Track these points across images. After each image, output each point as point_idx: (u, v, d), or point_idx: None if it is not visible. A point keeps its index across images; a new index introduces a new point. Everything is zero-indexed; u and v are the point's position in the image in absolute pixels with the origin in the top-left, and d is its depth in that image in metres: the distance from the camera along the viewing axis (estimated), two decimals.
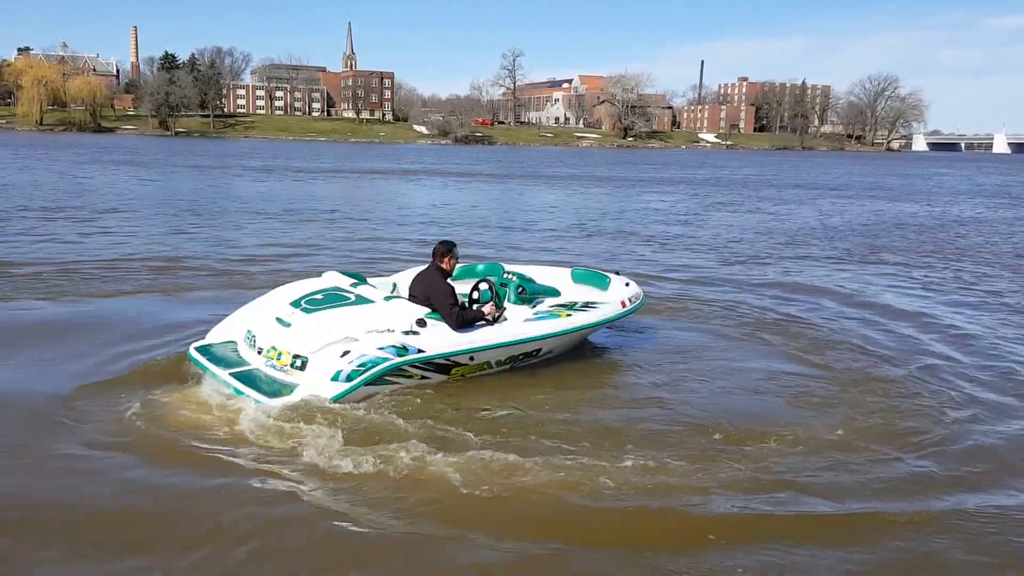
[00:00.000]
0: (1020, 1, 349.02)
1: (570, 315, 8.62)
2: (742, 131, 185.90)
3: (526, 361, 8.53)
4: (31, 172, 39.98)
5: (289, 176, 44.87)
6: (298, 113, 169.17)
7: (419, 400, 7.39)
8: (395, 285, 9.07)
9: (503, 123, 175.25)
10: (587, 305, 8.91)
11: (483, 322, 8.04)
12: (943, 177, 65.54)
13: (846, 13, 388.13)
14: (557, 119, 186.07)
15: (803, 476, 6.25)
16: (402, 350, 7.39)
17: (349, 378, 7.11)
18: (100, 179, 37.29)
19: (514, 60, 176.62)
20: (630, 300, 9.34)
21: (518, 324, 8.25)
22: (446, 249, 8.14)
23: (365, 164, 63.20)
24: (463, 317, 7.84)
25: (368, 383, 7.23)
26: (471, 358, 7.92)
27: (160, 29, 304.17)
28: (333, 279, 8.43)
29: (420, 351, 7.48)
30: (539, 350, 8.57)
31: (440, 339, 7.65)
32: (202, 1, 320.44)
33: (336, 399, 7.02)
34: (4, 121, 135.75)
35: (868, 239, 22.32)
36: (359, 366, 7.16)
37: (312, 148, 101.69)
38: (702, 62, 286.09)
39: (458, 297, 7.98)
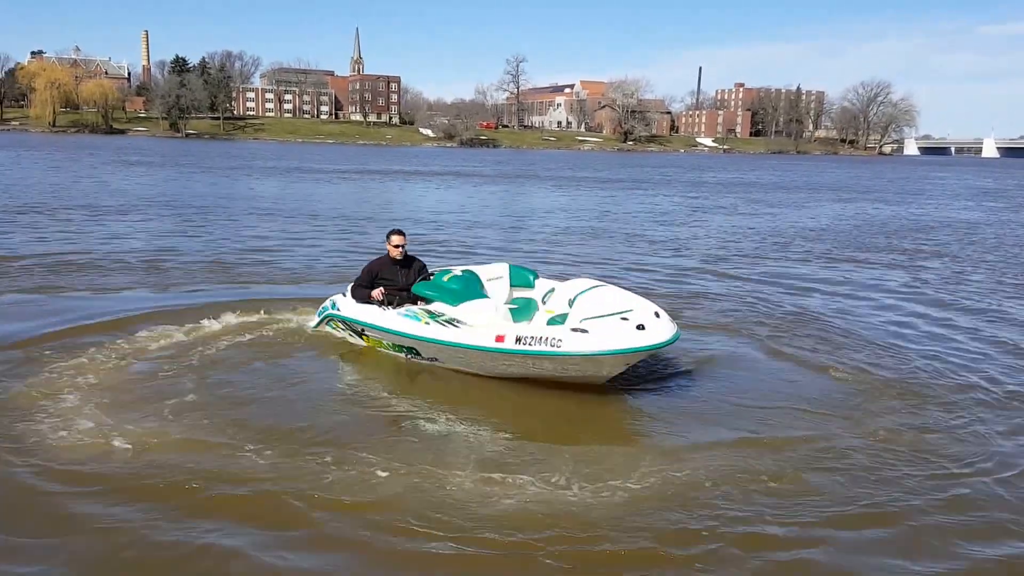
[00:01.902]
0: (1012, 9, 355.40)
1: (427, 324, 8.22)
2: (738, 135, 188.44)
3: (415, 357, 8.64)
4: (44, 171, 41.02)
5: (300, 177, 45.72)
6: (307, 116, 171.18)
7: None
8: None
9: (507, 127, 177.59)
10: (453, 322, 8.16)
11: (376, 303, 8.89)
12: (943, 181, 67.15)
13: (841, 22, 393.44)
14: (559, 123, 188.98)
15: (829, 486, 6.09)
16: (333, 306, 9.35)
17: (319, 315, 9.62)
18: (113, 178, 38.19)
19: (517, 65, 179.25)
20: (518, 341, 7.51)
21: (388, 314, 8.67)
22: (386, 236, 9.19)
23: (374, 166, 63.79)
24: (357, 293, 9.03)
25: (325, 323, 9.53)
26: (362, 330, 9.02)
27: (171, 33, 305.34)
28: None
29: (338, 310, 9.25)
30: (415, 350, 8.56)
31: (347, 306, 9.16)
32: (212, 6, 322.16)
33: (312, 328, 9.68)
34: (18, 123, 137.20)
35: (866, 239, 22.67)
36: (322, 308, 9.59)
37: (321, 150, 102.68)
38: (700, 68, 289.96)
39: (367, 276, 9.01)
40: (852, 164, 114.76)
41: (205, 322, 9.91)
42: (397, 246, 8.89)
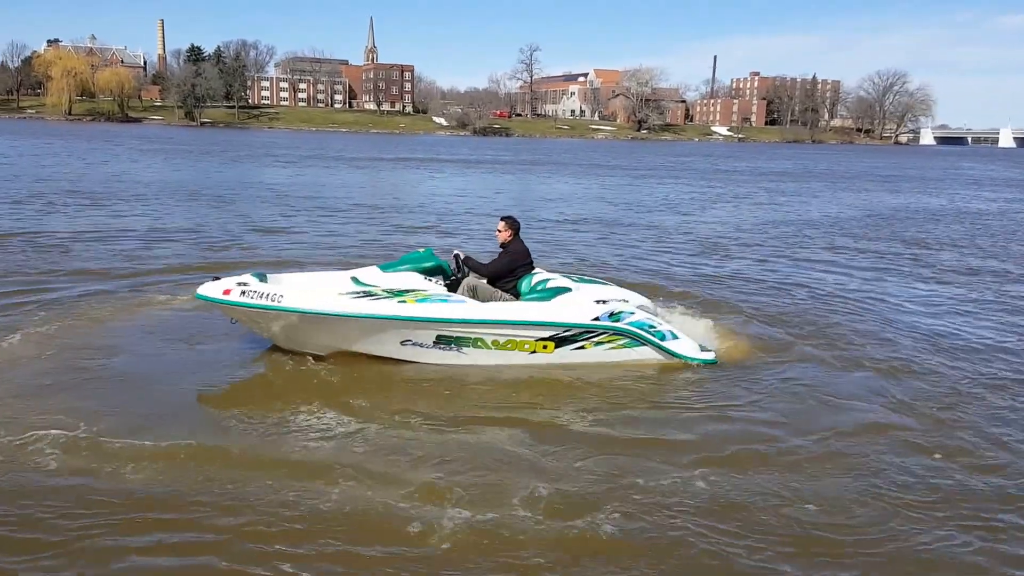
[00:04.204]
0: None
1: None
2: (754, 124, 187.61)
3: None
4: (63, 158, 41.35)
5: (317, 165, 45.59)
6: (321, 105, 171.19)
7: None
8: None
9: (520, 115, 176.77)
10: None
11: None
12: (971, 171, 67.07)
13: (857, 11, 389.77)
14: (573, 112, 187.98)
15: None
16: None
17: None
18: (133, 165, 38.74)
19: (531, 54, 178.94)
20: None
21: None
22: None
23: (389, 154, 63.72)
24: None
25: None
26: None
27: (186, 22, 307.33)
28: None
29: None
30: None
31: None
32: None
33: None
34: (34, 111, 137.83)
35: (895, 229, 22.10)
36: None
37: (336, 139, 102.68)
38: (715, 57, 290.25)
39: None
40: (871, 153, 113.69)
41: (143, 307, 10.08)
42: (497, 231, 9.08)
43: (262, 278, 8.35)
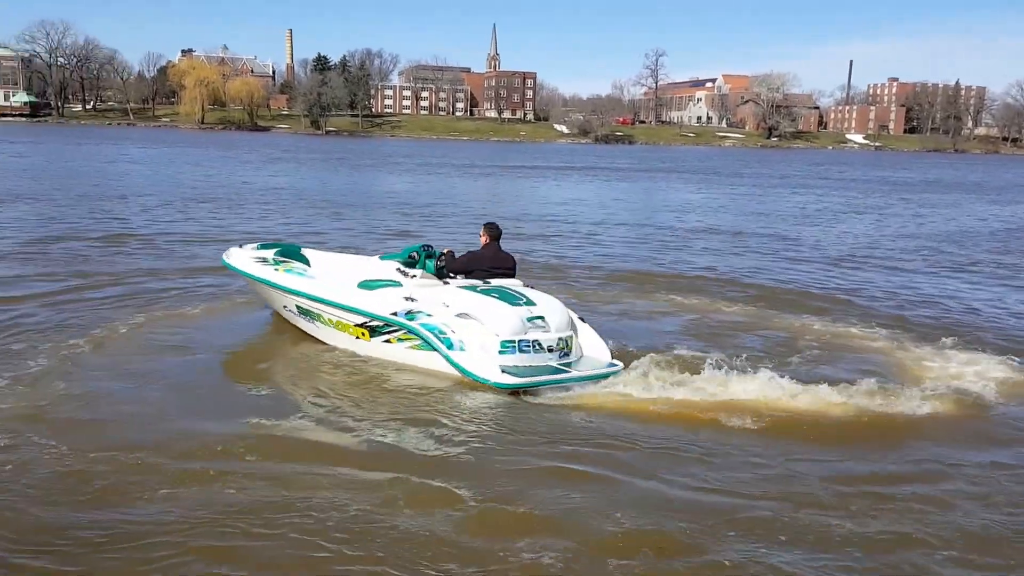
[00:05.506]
0: None
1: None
2: (891, 132, 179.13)
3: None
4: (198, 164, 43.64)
5: (439, 173, 47.02)
6: (442, 113, 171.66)
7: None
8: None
9: (643, 123, 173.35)
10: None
11: None
12: None
13: (1004, 12, 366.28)
14: (699, 119, 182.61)
15: None
16: None
17: None
18: (259, 172, 40.24)
19: (656, 60, 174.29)
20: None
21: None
22: None
23: (513, 162, 64.72)
24: None
25: None
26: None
27: (314, 32, 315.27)
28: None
29: None
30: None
31: None
32: (354, 5, 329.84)
33: None
34: (168, 119, 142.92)
35: None
36: None
37: (457, 147, 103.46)
38: (851, 62, 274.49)
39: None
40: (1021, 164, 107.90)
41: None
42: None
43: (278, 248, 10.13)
